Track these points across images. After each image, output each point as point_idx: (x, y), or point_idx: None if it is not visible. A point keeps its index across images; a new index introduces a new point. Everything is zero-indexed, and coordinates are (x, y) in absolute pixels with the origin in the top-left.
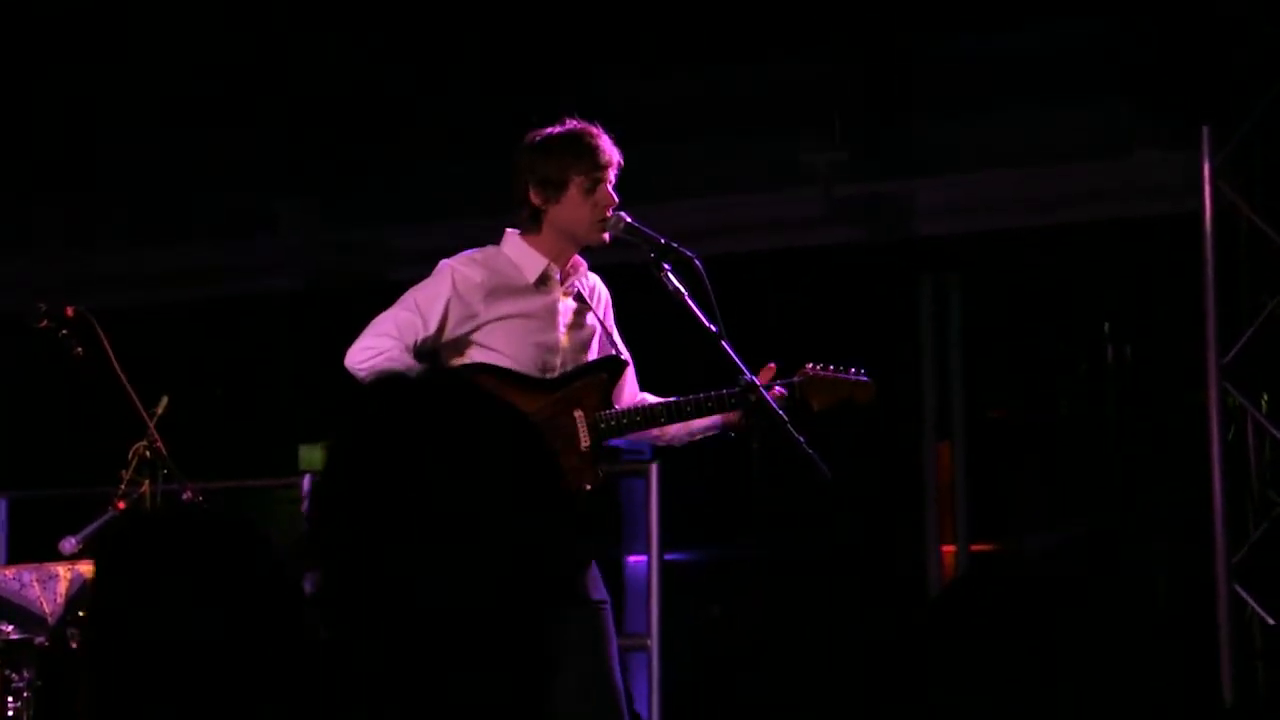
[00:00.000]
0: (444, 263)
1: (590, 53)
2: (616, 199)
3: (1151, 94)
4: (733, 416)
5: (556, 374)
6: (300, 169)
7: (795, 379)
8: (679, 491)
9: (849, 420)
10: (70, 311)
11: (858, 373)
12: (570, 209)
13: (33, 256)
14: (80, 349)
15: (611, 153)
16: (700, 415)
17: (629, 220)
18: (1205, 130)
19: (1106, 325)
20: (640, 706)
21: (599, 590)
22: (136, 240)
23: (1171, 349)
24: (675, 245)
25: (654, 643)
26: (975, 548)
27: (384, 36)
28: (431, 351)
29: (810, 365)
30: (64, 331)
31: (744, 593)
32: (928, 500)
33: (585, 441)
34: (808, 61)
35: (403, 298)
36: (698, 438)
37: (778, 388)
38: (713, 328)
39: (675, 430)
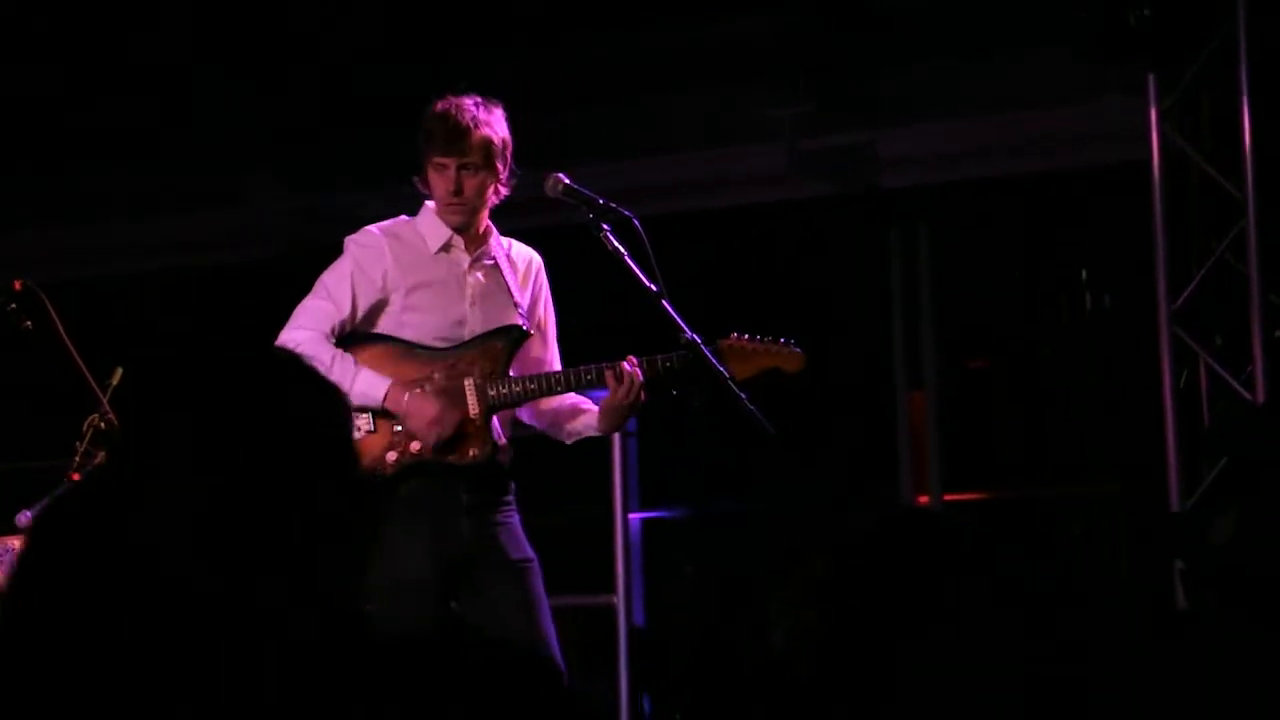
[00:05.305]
0: (346, 239)
1: (555, 11)
2: (453, 186)
3: (1097, 42)
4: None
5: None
6: (267, 137)
7: (717, 344)
8: (653, 450)
9: (822, 374)
10: (18, 285)
11: (788, 343)
12: (432, 189)
13: None
14: (29, 322)
15: (455, 137)
16: (600, 385)
17: (567, 182)
18: (1151, 77)
19: (1084, 272)
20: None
21: (521, 549)
22: (100, 213)
23: (1149, 295)
24: (614, 205)
25: (620, 600)
26: (949, 498)
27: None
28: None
29: (735, 334)
30: (11, 305)
31: (718, 549)
32: (901, 451)
33: (475, 409)
34: (770, 15)
35: (316, 284)
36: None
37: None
38: (653, 287)
39: (581, 423)
